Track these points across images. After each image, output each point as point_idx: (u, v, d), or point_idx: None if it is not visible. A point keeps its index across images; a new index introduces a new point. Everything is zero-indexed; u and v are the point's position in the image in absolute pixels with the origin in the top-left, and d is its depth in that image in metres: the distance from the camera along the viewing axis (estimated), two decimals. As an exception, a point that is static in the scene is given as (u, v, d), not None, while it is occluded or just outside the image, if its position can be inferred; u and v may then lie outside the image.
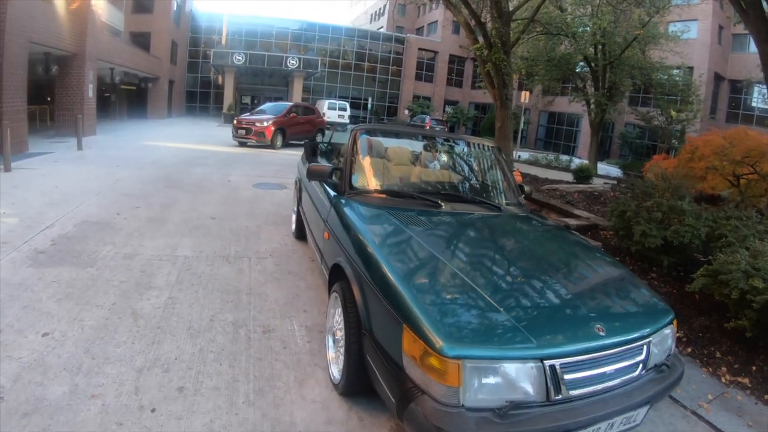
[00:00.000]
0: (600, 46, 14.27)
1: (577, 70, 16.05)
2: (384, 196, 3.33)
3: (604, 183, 10.66)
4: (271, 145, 15.38)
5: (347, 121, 31.10)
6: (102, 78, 21.33)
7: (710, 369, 3.59)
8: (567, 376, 1.98)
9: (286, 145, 16.57)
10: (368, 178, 3.52)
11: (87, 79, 16.04)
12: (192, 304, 3.79)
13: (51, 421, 2.29)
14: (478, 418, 1.84)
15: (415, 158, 4.05)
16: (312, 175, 3.52)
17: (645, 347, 2.26)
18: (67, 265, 4.23)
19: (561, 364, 1.97)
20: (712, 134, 7.49)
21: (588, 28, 13.42)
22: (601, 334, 2.12)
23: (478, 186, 3.91)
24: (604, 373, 2.10)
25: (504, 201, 3.70)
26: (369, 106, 41.03)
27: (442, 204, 3.23)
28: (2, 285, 3.69)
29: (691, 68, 23.85)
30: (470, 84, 42.45)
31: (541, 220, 3.69)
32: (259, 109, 17.63)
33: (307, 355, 3.24)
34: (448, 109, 42.23)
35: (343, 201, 3.29)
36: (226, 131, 19.27)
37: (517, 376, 1.92)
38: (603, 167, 13.35)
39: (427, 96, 42.89)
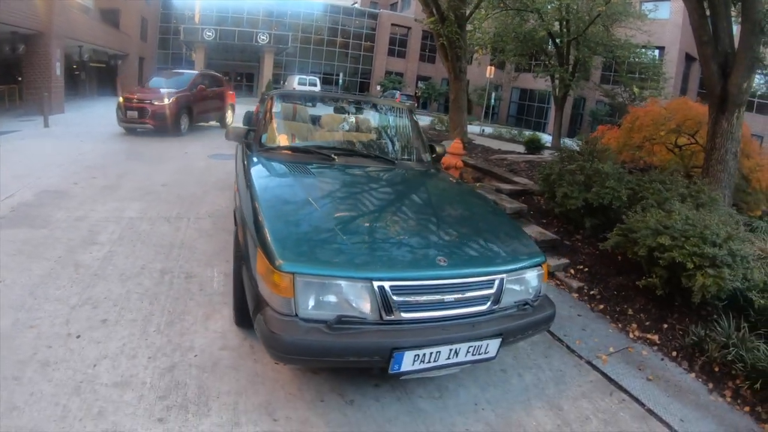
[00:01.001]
0: (564, 22, 14.48)
1: (543, 47, 16.26)
2: (287, 152, 3.63)
3: (553, 154, 11.01)
4: (174, 130, 11.14)
5: (317, 96, 30.83)
6: (70, 56, 20.95)
7: (619, 325, 3.78)
8: (398, 298, 2.17)
9: (193, 128, 12.36)
10: (276, 137, 3.84)
11: (54, 58, 15.83)
12: (128, 256, 4.18)
13: (-6, 345, 2.68)
14: (309, 327, 2.09)
15: (326, 120, 4.38)
16: (230, 135, 3.89)
17: (496, 283, 2.39)
18: (24, 228, 4.59)
19: (391, 286, 2.15)
20: (652, 104, 7.81)
21: (552, 5, 13.60)
22: (442, 264, 2.30)
23: (378, 144, 4.20)
24: (442, 301, 2.27)
25: (404, 157, 4.02)
26: (340, 81, 40.80)
27: (335, 158, 3.49)
28: None
29: (662, 48, 24.21)
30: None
31: (438, 174, 3.87)
32: (152, 80, 12.73)
33: (219, 296, 3.60)
34: (421, 84, 42.26)
35: (250, 157, 3.54)
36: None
37: (347, 293, 2.14)
38: (568, 142, 13.70)
39: (399, 72, 42.79)
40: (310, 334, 2.06)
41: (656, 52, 22.62)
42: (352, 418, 2.47)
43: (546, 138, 15.83)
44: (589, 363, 3.27)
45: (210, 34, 30.76)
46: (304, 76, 31.85)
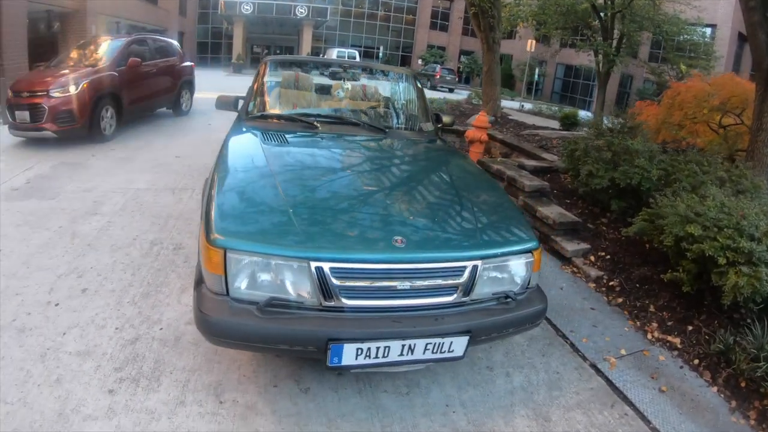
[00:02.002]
0: (609, -7, 13.55)
1: (587, 20, 15.33)
2: (272, 120, 3.42)
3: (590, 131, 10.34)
4: (92, 134, 7.15)
5: (356, 69, 30.51)
6: (108, 32, 21.26)
7: (637, 323, 3.33)
8: (338, 282, 1.91)
9: (127, 125, 8.27)
10: (265, 104, 3.63)
11: (89, 34, 16.33)
12: (124, 227, 4.18)
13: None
14: (238, 308, 1.90)
15: (320, 87, 4.12)
16: (220, 104, 3.75)
17: (467, 271, 2.07)
18: (33, 199, 4.69)
19: (332, 268, 1.89)
20: (695, 79, 7.15)
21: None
22: (398, 245, 1.99)
23: (370, 111, 3.89)
24: (394, 288, 1.98)
25: (399, 126, 3.73)
26: (380, 54, 40.19)
27: (319, 126, 3.25)
28: None
29: (713, 26, 22.62)
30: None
31: (434, 144, 3.53)
32: (59, 58, 8.43)
33: (201, 269, 3.47)
34: (463, 59, 41.19)
35: (234, 126, 3.38)
36: (232, 80, 19.02)
37: (282, 274, 1.92)
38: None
39: (442, 46, 41.79)
40: (238, 316, 1.87)
41: (707, 30, 21.15)
42: (303, 408, 2.27)
43: (589, 116, 15.05)
44: (593, 366, 2.86)
45: (248, 7, 30.66)
46: (342, 50, 31.50)
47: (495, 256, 2.17)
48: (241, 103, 3.69)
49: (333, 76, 4.23)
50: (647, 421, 2.44)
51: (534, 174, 5.78)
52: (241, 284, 1.92)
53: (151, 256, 3.67)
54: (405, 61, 41.82)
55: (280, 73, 4.06)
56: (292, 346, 1.92)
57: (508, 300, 2.20)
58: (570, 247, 4.19)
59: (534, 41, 21.20)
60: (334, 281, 1.90)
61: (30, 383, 2.25)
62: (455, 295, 2.08)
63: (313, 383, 2.42)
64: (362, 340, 1.89)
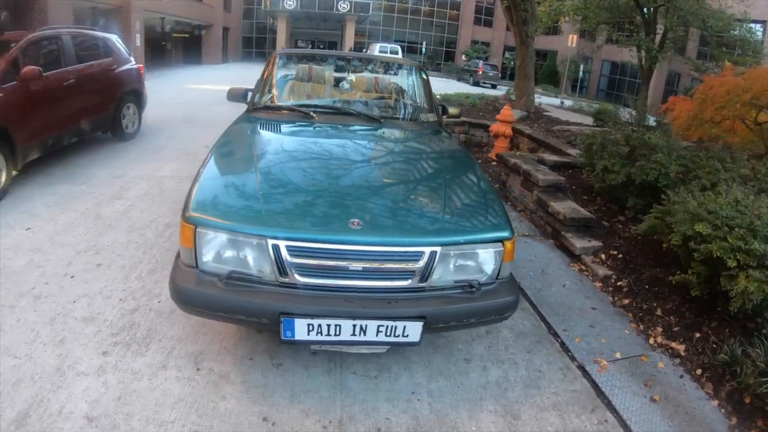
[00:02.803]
0: (651, -14, 12.99)
1: (630, 14, 14.75)
2: (274, 111, 3.53)
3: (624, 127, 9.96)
4: None
5: (399, 65, 30.43)
6: (153, 27, 22.22)
7: (641, 326, 3.16)
8: (294, 260, 2.00)
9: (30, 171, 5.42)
10: (270, 96, 3.75)
11: (134, 30, 17.16)
12: (144, 211, 4.44)
13: (6, 280, 3.09)
14: (204, 279, 2.05)
15: (325, 78, 4.14)
16: (231, 96, 3.87)
17: (425, 256, 2.07)
18: (68, 183, 5.06)
19: (288, 246, 1.98)
20: (728, 72, 6.77)
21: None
22: (354, 227, 2.04)
23: (368, 102, 3.90)
24: (347, 269, 2.03)
25: (397, 116, 3.78)
26: (423, 50, 39.98)
27: (315, 116, 3.33)
28: (13, 197, 4.55)
29: (763, 22, 21.38)
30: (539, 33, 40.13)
31: (430, 133, 3.50)
32: None
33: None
34: (507, 54, 40.48)
35: (241, 116, 3.50)
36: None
37: (243, 249, 2.05)
38: (653, 119, 12.33)
39: (486, 41, 41.19)
40: (203, 287, 2.03)
41: (758, 27, 19.92)
42: (271, 381, 2.38)
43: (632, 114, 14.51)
44: (581, 368, 2.71)
45: (291, 2, 31.13)
46: (385, 45, 31.51)
47: (457, 243, 2.15)
48: (250, 95, 3.82)
49: (338, 68, 4.29)
50: (628, 431, 2.31)
51: (554, 169, 5.64)
52: (208, 257, 2.07)
53: (164, 237, 3.90)
54: (449, 57, 41.54)
55: (287, 65, 4.17)
56: (248, 317, 2.03)
57: (472, 290, 2.15)
58: (579, 243, 4.07)
59: (575, 36, 20.60)
60: (289, 259, 1.99)
61: (38, 342, 2.51)
62: (411, 280, 2.09)
63: (287, 360, 2.52)
64: (313, 316, 1.96)
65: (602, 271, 3.81)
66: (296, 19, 34.78)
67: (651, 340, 3.06)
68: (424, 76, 4.19)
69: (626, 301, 3.47)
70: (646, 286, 3.61)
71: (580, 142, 5.32)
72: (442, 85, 21.69)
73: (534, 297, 3.42)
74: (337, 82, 4.19)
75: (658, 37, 14.10)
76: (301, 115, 3.39)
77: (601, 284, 3.70)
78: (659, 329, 3.16)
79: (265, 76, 3.85)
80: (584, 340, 2.96)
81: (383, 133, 3.34)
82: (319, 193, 2.33)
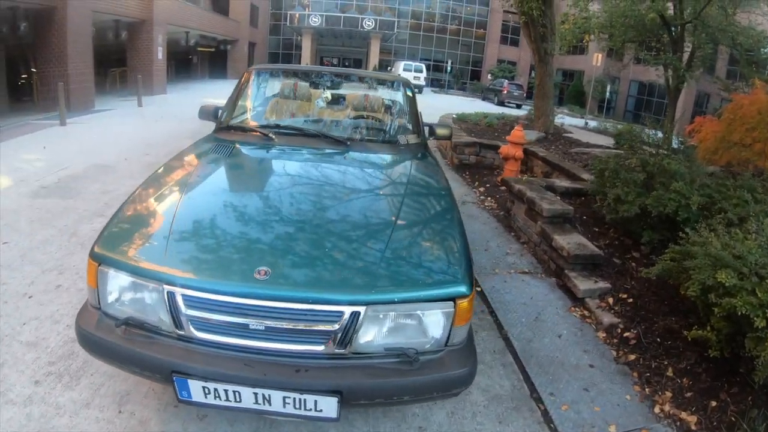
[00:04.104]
0: (678, 3, 12.45)
1: (657, 32, 14.19)
2: (235, 132, 3.29)
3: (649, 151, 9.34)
4: None
5: (423, 83, 30.36)
6: (177, 41, 22.57)
7: (647, 390, 2.65)
8: (189, 312, 1.72)
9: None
10: (235, 115, 3.48)
11: (156, 43, 17.49)
12: None
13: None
14: (104, 322, 1.85)
15: (299, 96, 3.82)
16: (202, 113, 3.65)
17: (345, 316, 1.70)
18: (56, 198, 5.02)
19: (183, 295, 1.72)
20: (759, 90, 6.22)
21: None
22: (259, 278, 1.72)
23: (342, 122, 3.59)
24: (247, 326, 1.71)
25: (370, 138, 3.40)
26: (448, 68, 39.77)
27: (275, 138, 3.06)
28: (2, 210, 4.53)
29: None
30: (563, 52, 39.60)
31: (409, 159, 3.11)
32: None
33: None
34: (534, 74, 39.91)
35: (204, 137, 3.28)
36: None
37: (141, 294, 1.82)
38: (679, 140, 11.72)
39: (512, 60, 40.76)
40: (101, 331, 1.83)
41: None
42: None
43: (658, 136, 13.84)
44: None
45: (316, 19, 31.43)
46: (409, 63, 31.50)
47: (389, 302, 1.74)
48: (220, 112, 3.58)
49: (315, 85, 3.97)
50: None
51: (564, 196, 5.19)
52: (109, 299, 1.88)
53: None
54: (475, 76, 41.26)
55: (261, 82, 3.89)
56: (142, 371, 1.81)
57: (412, 360, 1.74)
58: (584, 285, 3.60)
59: (600, 55, 20.00)
60: (184, 310, 1.73)
61: (-21, 364, 2.41)
62: (326, 345, 1.73)
63: (213, 411, 2.20)
64: (207, 378, 1.68)
65: (608, 318, 3.33)
66: (322, 36, 35.11)
67: (657, 408, 2.56)
68: (410, 93, 3.86)
69: (632, 357, 2.99)
70: (658, 339, 3.12)
71: (592, 167, 4.84)
72: (465, 104, 21.43)
73: (521, 350, 2.96)
74: (312, 99, 3.88)
75: (685, 56, 13.52)
76: (262, 136, 3.11)
77: (605, 335, 3.22)
78: (668, 394, 2.66)
79: (235, 93, 3.60)
80: (573, 407, 2.47)
81: (348, 158, 2.98)
82: (235, 234, 2.02)
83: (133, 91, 15.40)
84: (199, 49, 27.08)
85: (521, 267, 4.14)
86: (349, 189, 2.58)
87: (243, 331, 1.72)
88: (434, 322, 1.81)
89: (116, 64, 19.07)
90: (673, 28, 12.95)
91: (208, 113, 3.59)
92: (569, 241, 3.93)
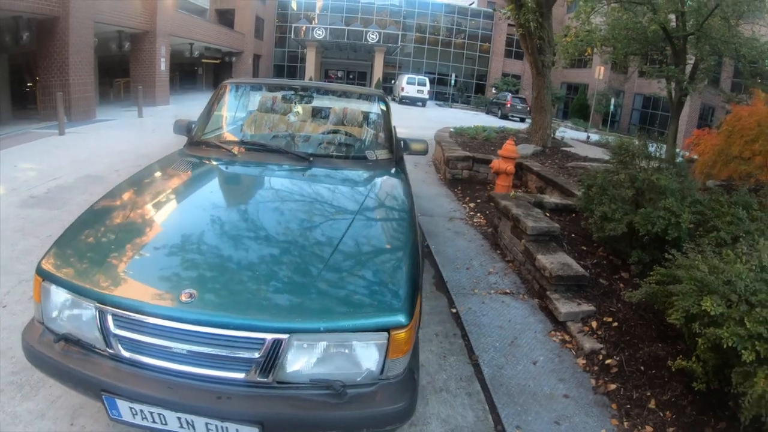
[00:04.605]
0: (680, 15, 12.29)
1: (659, 44, 14.02)
2: (200, 147, 3.22)
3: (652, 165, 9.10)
4: None
5: (427, 96, 30.30)
6: (182, 53, 22.68)
7: (625, 423, 2.47)
8: (118, 331, 1.71)
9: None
10: (207, 130, 3.41)
11: (159, 54, 17.62)
12: None
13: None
14: (45, 337, 1.86)
15: (270, 111, 3.78)
16: (176, 127, 3.58)
17: (267, 344, 1.63)
18: (43, 208, 5.03)
19: (113, 314, 1.71)
20: (758, 101, 6.01)
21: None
22: (184, 300, 1.66)
23: (313, 137, 3.52)
24: (170, 349, 1.66)
25: (337, 153, 3.29)
26: (452, 81, 39.76)
27: (238, 154, 3.05)
28: None
29: None
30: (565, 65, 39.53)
31: (374, 176, 2.99)
32: None
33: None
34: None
35: (173, 153, 3.23)
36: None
37: (77, 311, 1.81)
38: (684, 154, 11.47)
39: (516, 74, 40.68)
40: (41, 346, 1.84)
41: None
42: None
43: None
44: None
45: (320, 32, 31.55)
46: (413, 76, 31.44)
47: (314, 330, 1.65)
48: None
49: (287, 99, 3.89)
50: None
51: (554, 212, 4.99)
52: (50, 315, 1.88)
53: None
54: (479, 89, 41.18)
55: (234, 96, 3.81)
56: (75, 387, 1.81)
57: (341, 392, 1.65)
58: (566, 308, 3.39)
59: (602, 68, 19.83)
60: (113, 329, 1.72)
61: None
62: (248, 373, 1.67)
63: None
64: (132, 399, 1.66)
65: (590, 344, 3.11)
66: (326, 49, 35.23)
67: (635, 446, 2.35)
68: (383, 107, 3.74)
69: (612, 387, 2.77)
70: (642, 367, 2.91)
71: (580, 182, 4.64)
72: (468, 118, 21.29)
73: (490, 377, 2.75)
74: (284, 114, 3.80)
75: (689, 69, 13.33)
76: (226, 153, 3.08)
77: (585, 361, 3.00)
78: (648, 429, 2.46)
79: (208, 108, 3.55)
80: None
81: (307, 175, 2.90)
82: (171, 254, 1.95)
83: (135, 102, 15.43)
84: (203, 60, 27.21)
85: (503, 287, 3.93)
86: (298, 208, 2.49)
87: (168, 353, 1.68)
88: (366, 353, 1.70)
89: (121, 74, 19.25)
90: (675, 40, 12.79)
91: (182, 128, 3.53)
92: (553, 261, 3.72)
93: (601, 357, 3.02)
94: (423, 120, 18.29)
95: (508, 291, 3.87)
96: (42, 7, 11.43)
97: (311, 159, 3.00)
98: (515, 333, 3.26)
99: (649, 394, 2.68)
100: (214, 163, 3.01)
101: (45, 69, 12.51)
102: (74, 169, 6.81)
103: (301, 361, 1.67)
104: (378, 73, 33.79)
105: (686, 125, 18.87)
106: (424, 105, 29.80)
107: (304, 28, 33.13)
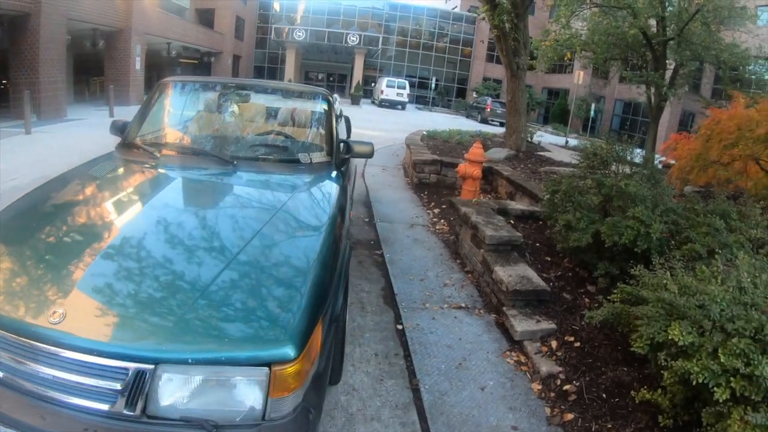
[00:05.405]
0: (660, 19, 12.17)
1: (639, 49, 13.91)
2: (126, 149, 3.00)
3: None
4: None
5: (406, 99, 30.09)
6: (159, 52, 22.12)
7: None
8: None
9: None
10: (138, 131, 3.14)
11: (134, 53, 17.24)
12: None
13: None
14: None
15: (204, 110, 3.57)
16: (113, 128, 3.32)
17: (131, 374, 1.43)
18: None
19: None
20: (737, 104, 5.80)
21: (644, -1, 11.37)
22: (51, 319, 1.48)
23: (244, 139, 3.25)
24: (36, 373, 1.49)
25: (265, 155, 2.98)
26: (434, 85, 39.60)
27: (160, 157, 2.81)
28: None
29: None
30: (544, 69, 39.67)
31: (302, 182, 2.74)
32: None
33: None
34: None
35: (102, 155, 3.02)
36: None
37: None
38: (660, 158, 11.33)
39: (498, 79, 40.53)
40: None
41: None
42: None
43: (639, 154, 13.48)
44: None
45: (300, 34, 31.17)
46: (393, 79, 31.21)
47: (181, 361, 1.44)
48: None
49: (223, 98, 3.61)
50: None
51: (519, 220, 4.67)
52: None
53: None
54: (460, 93, 41.11)
55: (169, 96, 3.49)
56: None
57: (212, 430, 1.43)
58: (522, 325, 3.05)
59: (581, 73, 19.74)
60: None
61: None
62: (114, 405, 1.46)
63: None
64: (3, 423, 1.49)
65: (547, 366, 2.77)
66: (307, 51, 34.78)
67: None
68: (325, 106, 3.43)
69: (569, 417, 2.43)
70: (604, 395, 2.58)
71: (544, 188, 4.31)
72: (446, 121, 21.06)
73: (430, 405, 2.40)
74: (219, 114, 3.57)
75: (669, 74, 13.23)
76: (149, 155, 2.83)
77: (540, 387, 2.66)
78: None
79: (142, 108, 3.30)
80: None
81: (226, 181, 2.65)
82: (53, 269, 1.74)
83: (106, 102, 14.98)
84: (181, 60, 26.60)
85: (457, 301, 3.57)
86: (200, 220, 2.18)
87: (34, 377, 1.50)
88: (246, 390, 1.47)
89: (98, 73, 18.74)
90: (655, 45, 12.67)
91: (117, 128, 3.26)
92: (511, 274, 3.38)
93: (558, 382, 2.67)
94: (400, 123, 18.00)
95: (462, 305, 3.52)
96: (14, 3, 11.02)
97: (235, 163, 2.72)
98: (465, 353, 2.90)
99: (610, 426, 2.35)
100: (135, 167, 2.78)
101: (15, 67, 12.11)
102: (35, 169, 6.52)
103: (174, 395, 1.45)
104: (358, 75, 33.42)
105: (666, 131, 18.84)
106: (403, 108, 29.55)
107: (285, 30, 32.64)
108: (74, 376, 1.47)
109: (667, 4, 11.81)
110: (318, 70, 39.41)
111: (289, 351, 1.45)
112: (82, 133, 10.37)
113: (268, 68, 38.82)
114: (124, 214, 2.19)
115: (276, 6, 38.43)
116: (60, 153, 8.00)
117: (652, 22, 12.80)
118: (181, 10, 24.85)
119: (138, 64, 17.50)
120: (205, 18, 29.19)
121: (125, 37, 16.55)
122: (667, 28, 12.29)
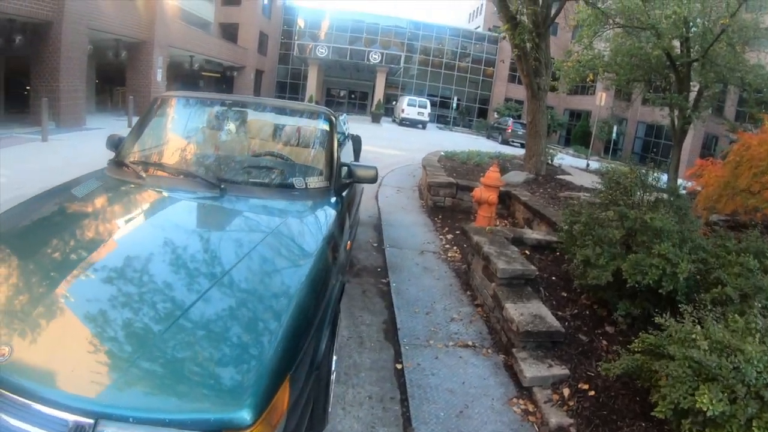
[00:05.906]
0: (684, 40, 11.88)
1: (663, 71, 13.61)
2: (114, 168, 2.86)
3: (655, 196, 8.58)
4: None
5: (427, 119, 30.05)
6: (181, 64, 22.50)
7: None
8: None
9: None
10: (130, 149, 3.03)
11: (155, 65, 17.54)
12: None
13: None
14: None
15: (201, 129, 3.46)
16: (108, 143, 3.21)
17: (73, 428, 1.29)
18: None
19: None
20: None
21: (669, 19, 11.11)
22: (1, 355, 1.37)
23: (228, 161, 3.09)
24: None
25: (257, 181, 2.80)
26: (455, 105, 39.52)
27: (146, 178, 2.65)
28: None
29: None
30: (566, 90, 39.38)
31: (296, 211, 2.55)
32: None
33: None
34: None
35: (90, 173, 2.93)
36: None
37: None
38: (684, 184, 10.95)
39: (519, 99, 40.30)
40: None
41: None
42: None
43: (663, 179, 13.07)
44: None
45: (323, 50, 31.43)
46: (414, 98, 31.26)
47: (124, 419, 1.27)
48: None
49: (220, 116, 3.51)
50: None
51: (535, 250, 4.45)
52: None
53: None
54: (481, 113, 41.00)
55: (168, 111, 3.40)
56: None
57: None
58: (532, 370, 2.82)
59: (603, 94, 19.43)
60: None
61: None
62: None
63: None
64: None
65: (557, 417, 2.53)
66: (329, 67, 35.09)
67: None
68: (326, 127, 3.26)
69: (582, 485, 2.19)
70: (621, 456, 2.32)
71: (562, 218, 4.08)
72: (466, 142, 20.90)
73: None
74: (212, 132, 3.46)
75: (692, 96, 12.89)
76: (135, 175, 2.68)
77: (549, 444, 2.42)
78: None
79: (137, 124, 3.21)
80: None
81: (212, 207, 2.48)
82: (9, 300, 1.60)
83: (135, 111, 15.14)
84: (203, 73, 27.02)
85: (464, 338, 3.35)
86: (171, 253, 1.98)
87: None
88: None
89: (121, 83, 19.17)
90: (679, 67, 12.38)
91: (113, 144, 3.15)
92: (523, 312, 3.16)
93: (570, 438, 2.44)
94: (420, 143, 17.88)
95: (469, 343, 3.30)
96: (36, 11, 11.30)
97: (223, 187, 2.54)
98: (468, 399, 2.68)
99: (626, 497, 2.10)
100: (120, 188, 2.65)
101: (36, 74, 12.39)
102: (44, 178, 6.34)
103: None
104: (379, 93, 33.54)
105: (689, 154, 18.39)
106: (424, 127, 29.47)
107: (309, 46, 33.00)
108: (16, 422, 1.34)
109: (691, 24, 11.55)
110: (340, 87, 39.75)
111: (245, 415, 1.27)
112: (98, 143, 10.46)
113: (291, 84, 39.28)
114: (90, 243, 2.02)
115: (300, 22, 39.01)
116: (74, 162, 7.98)
117: (676, 43, 12.50)
118: (205, 24, 25.36)
119: (159, 75, 17.82)
120: (229, 32, 29.72)
121: (147, 49, 16.89)
122: (692, 49, 11.99)
